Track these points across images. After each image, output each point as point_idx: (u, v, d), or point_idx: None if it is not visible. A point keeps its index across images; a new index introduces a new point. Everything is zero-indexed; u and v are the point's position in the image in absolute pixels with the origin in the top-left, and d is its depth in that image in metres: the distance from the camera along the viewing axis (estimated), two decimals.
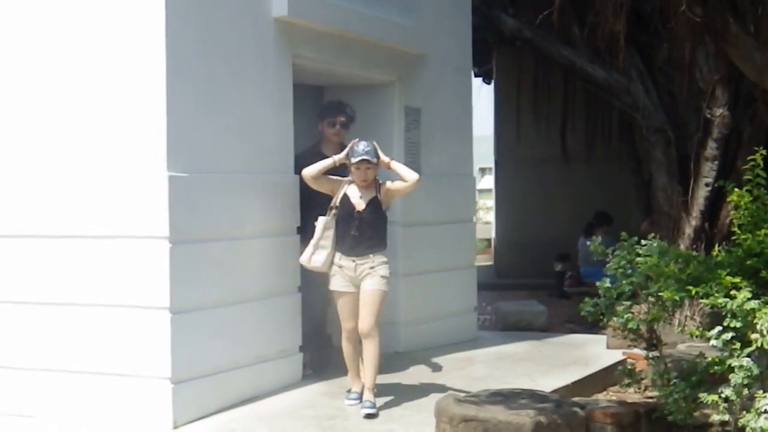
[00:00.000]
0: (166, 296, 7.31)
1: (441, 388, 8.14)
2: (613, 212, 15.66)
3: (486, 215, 23.95)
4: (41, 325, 7.72)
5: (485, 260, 19.96)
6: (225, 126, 7.93)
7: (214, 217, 7.75)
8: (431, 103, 10.67)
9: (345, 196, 7.86)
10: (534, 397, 7.06)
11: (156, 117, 7.39)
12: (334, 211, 7.85)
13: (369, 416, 7.44)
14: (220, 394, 7.76)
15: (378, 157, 7.80)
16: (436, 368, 9.37)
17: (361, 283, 7.76)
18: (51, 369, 7.67)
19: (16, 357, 7.84)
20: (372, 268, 7.76)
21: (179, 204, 7.41)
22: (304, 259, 7.93)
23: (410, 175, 7.79)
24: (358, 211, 7.80)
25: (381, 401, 7.83)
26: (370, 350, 7.71)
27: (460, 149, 11.28)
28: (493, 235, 20.99)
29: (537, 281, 16.98)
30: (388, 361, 9.30)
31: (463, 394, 7.07)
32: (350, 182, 7.91)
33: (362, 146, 7.76)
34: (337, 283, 7.86)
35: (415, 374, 9.10)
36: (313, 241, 7.87)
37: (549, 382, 8.47)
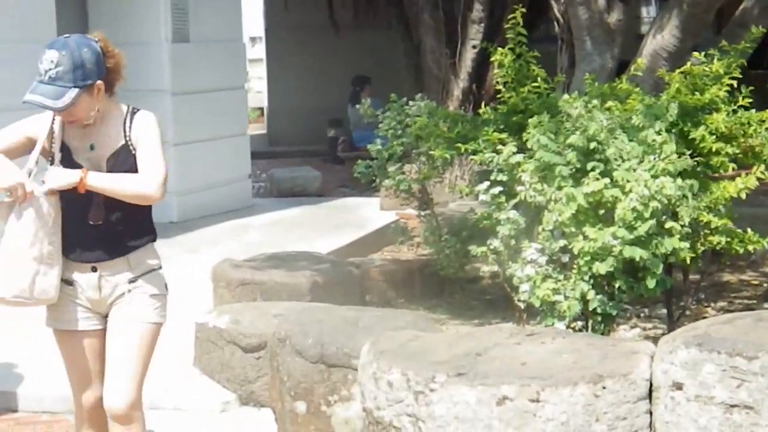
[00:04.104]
0: None
1: (218, 255, 8.15)
2: (383, 78, 15.75)
3: (257, 84, 23.73)
4: None
5: (258, 129, 19.87)
6: None
7: None
8: None
9: (62, 145, 4.13)
10: (310, 258, 7.13)
11: None
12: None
13: None
14: None
15: (95, 79, 3.98)
16: (213, 236, 9.36)
17: (113, 312, 4.16)
18: None
19: None
20: (133, 281, 4.15)
21: None
22: (15, 291, 4.01)
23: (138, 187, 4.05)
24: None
25: None
26: None
27: (229, 16, 11.12)
28: (265, 104, 20.88)
29: (310, 148, 17.05)
30: (163, 231, 9.17)
31: (240, 259, 7.08)
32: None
33: (46, 62, 3.96)
34: (62, 316, 4.18)
35: (191, 243, 9.07)
36: (28, 251, 3.99)
37: (324, 244, 8.59)
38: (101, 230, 4.07)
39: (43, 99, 3.91)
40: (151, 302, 4.17)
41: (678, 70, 6.39)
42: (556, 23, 9.67)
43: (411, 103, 7.18)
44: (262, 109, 21.79)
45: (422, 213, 7.39)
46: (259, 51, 22.88)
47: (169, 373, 5.78)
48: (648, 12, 18.39)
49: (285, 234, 9.38)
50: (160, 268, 4.23)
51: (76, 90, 3.93)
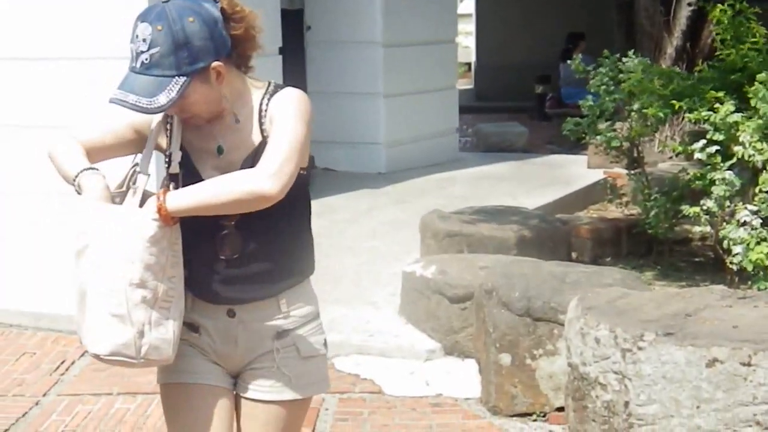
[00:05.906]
0: None
1: (424, 207, 8.23)
2: (593, 35, 15.54)
3: (465, 40, 23.75)
4: None
5: (465, 84, 19.91)
6: None
7: None
8: None
9: (185, 157, 2.81)
10: (517, 213, 7.12)
11: None
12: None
13: None
14: None
15: (209, 60, 2.63)
16: (419, 188, 9.45)
17: (251, 377, 2.90)
18: None
19: None
20: (282, 336, 2.88)
21: None
22: (112, 347, 2.66)
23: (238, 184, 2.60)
24: None
25: (366, 219, 7.86)
26: None
27: None
28: (473, 59, 20.88)
29: (517, 104, 16.96)
30: (371, 182, 9.39)
31: (446, 211, 7.14)
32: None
33: (138, 41, 2.62)
34: (177, 367, 2.86)
35: (399, 194, 9.18)
36: (137, 291, 2.63)
37: (531, 200, 8.57)
38: (238, 265, 2.80)
39: (136, 97, 2.61)
40: (304, 369, 2.90)
41: None
42: None
43: (624, 59, 7.07)
44: (469, 64, 21.80)
45: (632, 172, 7.29)
46: (468, 6, 22.88)
47: (376, 320, 5.90)
48: None
49: (491, 188, 9.40)
50: (318, 316, 2.96)
51: (183, 79, 2.62)
